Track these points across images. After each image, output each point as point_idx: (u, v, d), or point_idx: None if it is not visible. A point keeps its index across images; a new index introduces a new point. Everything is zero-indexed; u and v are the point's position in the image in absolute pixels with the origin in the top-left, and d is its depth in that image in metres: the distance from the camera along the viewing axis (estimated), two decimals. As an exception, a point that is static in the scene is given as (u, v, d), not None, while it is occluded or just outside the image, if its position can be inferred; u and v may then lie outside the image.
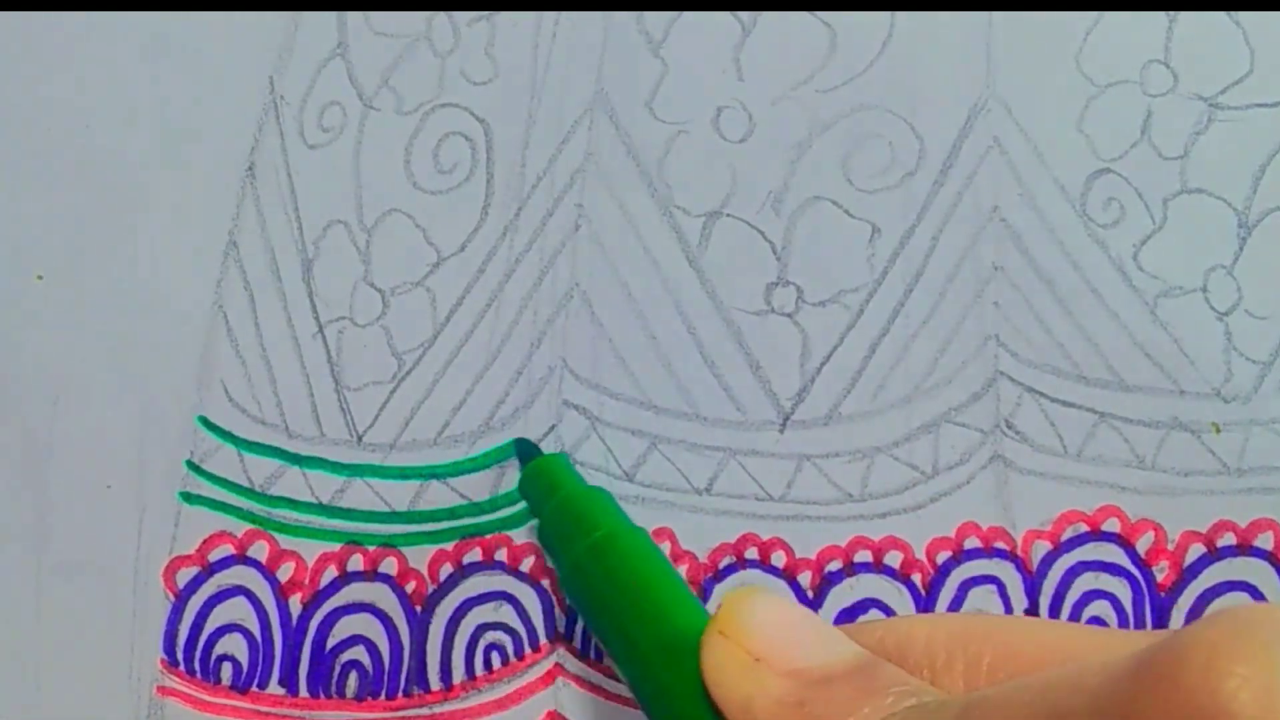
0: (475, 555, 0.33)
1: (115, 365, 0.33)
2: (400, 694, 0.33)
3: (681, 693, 0.26)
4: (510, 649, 0.33)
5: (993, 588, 0.33)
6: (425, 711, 0.33)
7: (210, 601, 0.33)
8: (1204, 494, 0.33)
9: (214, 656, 0.33)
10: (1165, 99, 0.33)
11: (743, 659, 0.25)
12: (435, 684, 0.33)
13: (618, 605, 0.28)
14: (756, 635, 0.25)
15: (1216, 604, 0.33)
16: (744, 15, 0.34)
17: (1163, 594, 0.33)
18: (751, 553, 0.33)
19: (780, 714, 0.24)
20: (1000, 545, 0.33)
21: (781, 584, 0.33)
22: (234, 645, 0.33)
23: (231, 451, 0.33)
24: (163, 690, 0.33)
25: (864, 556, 0.33)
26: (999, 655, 0.26)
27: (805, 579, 0.33)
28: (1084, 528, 0.33)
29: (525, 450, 0.33)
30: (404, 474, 0.33)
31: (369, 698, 0.33)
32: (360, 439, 0.33)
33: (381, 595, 0.33)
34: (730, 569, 0.33)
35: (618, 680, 0.33)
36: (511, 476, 0.33)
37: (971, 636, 0.26)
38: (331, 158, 0.34)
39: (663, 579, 0.29)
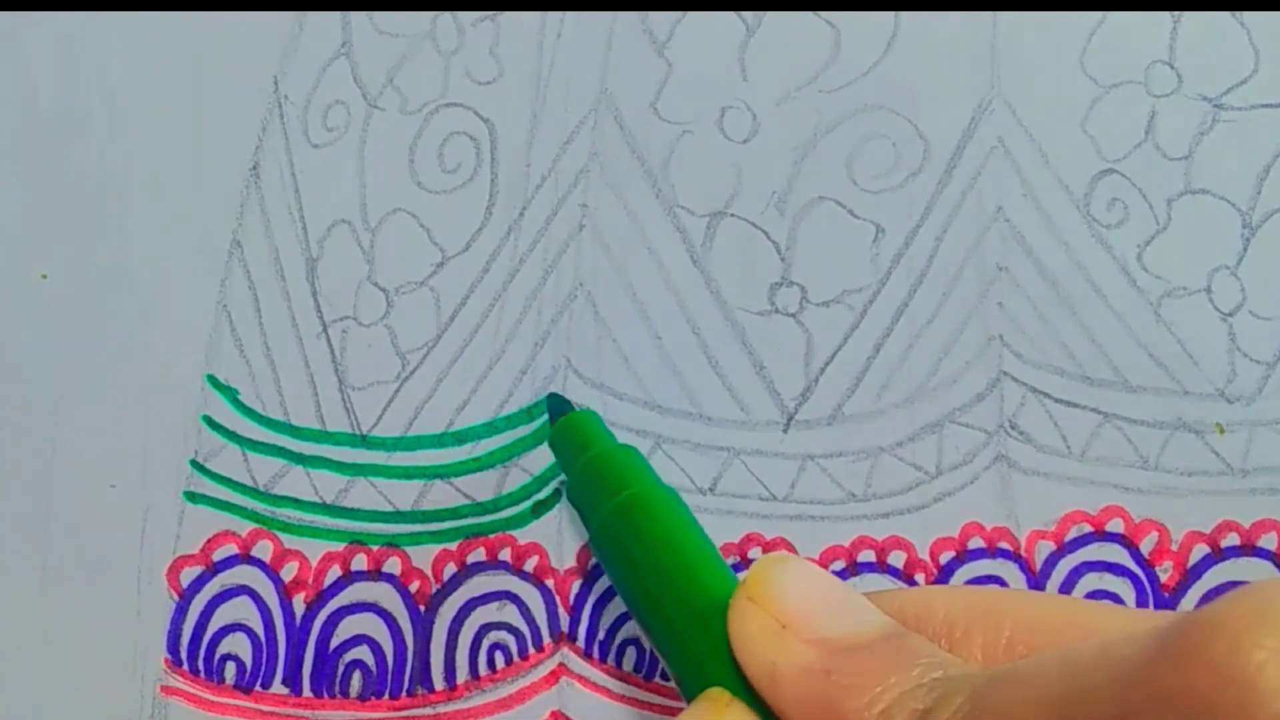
0: (479, 555, 0.33)
1: (119, 364, 0.33)
2: (404, 694, 0.33)
3: (708, 657, 0.25)
4: (514, 649, 0.33)
5: (996, 588, 0.33)
6: (429, 711, 0.33)
7: (214, 601, 0.33)
8: (1207, 494, 0.33)
9: (218, 656, 0.33)
10: (1169, 99, 0.33)
11: (769, 625, 0.25)
12: (439, 684, 0.33)
13: (645, 566, 0.28)
14: (784, 601, 0.25)
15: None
16: (748, 15, 0.34)
17: (1166, 594, 0.33)
18: (755, 553, 0.33)
19: (806, 682, 0.24)
20: (1004, 546, 0.33)
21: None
22: (238, 645, 0.33)
23: (235, 451, 0.33)
24: (166, 690, 0.33)
25: (867, 556, 0.33)
26: (1018, 629, 0.25)
27: (809, 579, 0.33)
28: (1088, 528, 0.33)
29: (556, 406, 0.32)
30: (408, 473, 0.33)
31: (372, 698, 0.33)
32: (364, 438, 0.33)
33: (385, 595, 0.33)
34: (734, 570, 0.33)
35: (623, 680, 0.33)
36: (515, 476, 0.33)
37: (991, 609, 0.26)
38: (336, 157, 0.34)
39: (691, 541, 0.28)
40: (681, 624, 0.26)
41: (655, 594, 0.27)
